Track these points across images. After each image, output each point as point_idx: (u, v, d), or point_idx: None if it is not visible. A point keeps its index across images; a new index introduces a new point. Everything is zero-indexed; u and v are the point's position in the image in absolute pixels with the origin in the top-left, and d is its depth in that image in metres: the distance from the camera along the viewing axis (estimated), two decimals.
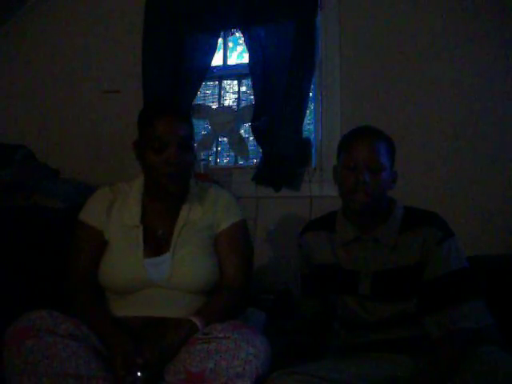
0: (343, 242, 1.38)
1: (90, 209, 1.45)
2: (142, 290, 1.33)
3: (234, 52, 2.78)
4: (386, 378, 1.21)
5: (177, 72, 2.52)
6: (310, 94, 2.41)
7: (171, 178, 1.34)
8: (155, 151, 1.33)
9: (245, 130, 2.65)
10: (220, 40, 2.62)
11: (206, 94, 2.74)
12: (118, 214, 1.43)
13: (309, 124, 2.51)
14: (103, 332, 1.22)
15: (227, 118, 2.61)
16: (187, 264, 1.35)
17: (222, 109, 2.67)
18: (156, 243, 1.39)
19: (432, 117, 2.20)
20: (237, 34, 2.64)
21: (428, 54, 2.22)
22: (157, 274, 1.33)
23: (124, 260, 1.36)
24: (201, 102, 2.72)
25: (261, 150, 2.45)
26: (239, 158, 2.67)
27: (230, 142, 2.65)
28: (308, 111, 2.42)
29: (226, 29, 2.62)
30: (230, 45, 2.75)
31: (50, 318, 1.15)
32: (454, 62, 2.18)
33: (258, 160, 2.48)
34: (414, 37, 2.25)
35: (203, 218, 1.44)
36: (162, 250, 1.38)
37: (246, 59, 2.55)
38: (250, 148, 2.62)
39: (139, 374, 1.09)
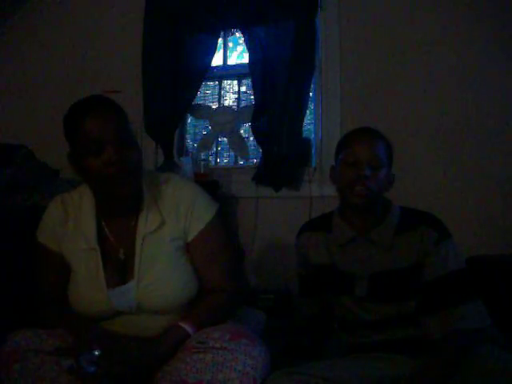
0: (339, 243, 1.37)
1: (45, 228, 1.32)
2: (113, 317, 1.25)
3: (234, 52, 2.79)
4: (386, 379, 1.21)
5: (177, 72, 2.52)
6: (310, 94, 2.41)
7: (115, 180, 1.17)
8: (92, 154, 1.16)
9: (245, 130, 2.65)
10: (220, 40, 2.62)
11: (206, 93, 2.74)
12: (72, 235, 1.29)
13: (309, 124, 2.51)
14: (78, 329, 1.17)
15: (227, 118, 2.61)
16: (155, 290, 1.23)
17: (222, 109, 2.67)
18: (119, 267, 1.26)
19: (432, 117, 2.20)
20: (237, 34, 2.65)
21: (428, 53, 2.22)
22: (123, 304, 1.23)
23: (86, 291, 1.24)
24: (201, 102, 2.72)
25: (261, 150, 2.45)
26: (239, 158, 2.67)
27: (229, 142, 2.65)
28: (308, 111, 2.42)
29: (225, 29, 2.63)
30: (230, 45, 2.76)
31: (35, 337, 1.13)
32: (454, 62, 2.18)
33: (258, 160, 2.48)
34: (414, 37, 2.25)
35: (166, 226, 1.27)
36: (126, 275, 1.25)
37: (246, 59, 2.55)
38: (250, 148, 2.63)
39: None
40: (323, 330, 1.54)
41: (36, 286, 1.35)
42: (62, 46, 2.81)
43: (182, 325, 1.17)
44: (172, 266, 1.26)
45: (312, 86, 2.40)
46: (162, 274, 1.25)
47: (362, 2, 2.35)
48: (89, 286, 1.24)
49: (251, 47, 2.46)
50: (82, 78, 2.74)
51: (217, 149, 2.73)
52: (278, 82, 2.36)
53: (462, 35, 2.18)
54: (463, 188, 2.13)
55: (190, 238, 1.29)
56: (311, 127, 2.51)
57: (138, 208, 1.27)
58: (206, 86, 2.73)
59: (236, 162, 2.69)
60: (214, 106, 2.71)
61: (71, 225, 1.29)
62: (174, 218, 1.28)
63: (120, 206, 1.27)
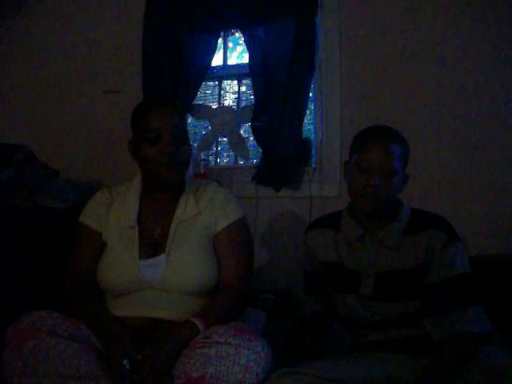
0: (347, 241, 1.38)
1: (89, 210, 1.48)
2: (138, 291, 1.33)
3: (233, 52, 2.78)
4: (387, 378, 1.21)
5: (177, 72, 2.52)
6: (310, 94, 2.41)
7: (168, 167, 1.35)
8: (151, 142, 1.35)
9: (245, 130, 2.65)
10: (220, 40, 2.62)
11: (206, 94, 2.74)
12: (115, 215, 1.44)
13: (309, 124, 2.51)
14: (103, 328, 1.22)
15: (227, 118, 2.61)
16: (182, 266, 1.34)
17: (222, 109, 2.67)
18: (152, 244, 1.39)
19: (432, 118, 2.20)
20: (237, 34, 2.65)
21: (428, 53, 2.22)
22: (152, 276, 1.33)
23: (119, 261, 1.36)
24: (201, 102, 2.72)
25: (261, 150, 2.45)
26: (239, 158, 2.67)
27: (230, 142, 2.65)
28: (308, 111, 2.41)
29: (226, 29, 2.62)
30: (230, 45, 2.75)
31: (50, 319, 1.15)
32: (454, 62, 2.18)
33: (258, 160, 2.48)
34: (414, 37, 2.24)
35: (200, 216, 1.42)
36: (158, 250, 1.37)
37: (246, 59, 2.55)
38: (250, 148, 2.62)
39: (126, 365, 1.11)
40: (324, 330, 1.54)
41: (64, 272, 1.43)
42: (62, 46, 2.81)
43: (195, 321, 1.23)
44: (199, 249, 1.38)
45: (312, 86, 2.40)
46: (190, 253, 1.36)
47: (362, 2, 2.34)
48: (121, 257, 1.36)
49: (251, 47, 2.45)
50: (82, 78, 2.74)
51: (217, 149, 2.73)
52: (277, 82, 2.36)
53: (463, 33, 2.17)
54: (463, 188, 2.13)
55: (219, 228, 1.43)
56: (311, 127, 2.51)
57: (178, 195, 1.44)
58: (206, 86, 2.73)
59: (236, 161, 2.68)
60: (214, 106, 2.70)
61: (116, 206, 1.46)
62: (208, 210, 1.43)
63: (164, 190, 1.43)
